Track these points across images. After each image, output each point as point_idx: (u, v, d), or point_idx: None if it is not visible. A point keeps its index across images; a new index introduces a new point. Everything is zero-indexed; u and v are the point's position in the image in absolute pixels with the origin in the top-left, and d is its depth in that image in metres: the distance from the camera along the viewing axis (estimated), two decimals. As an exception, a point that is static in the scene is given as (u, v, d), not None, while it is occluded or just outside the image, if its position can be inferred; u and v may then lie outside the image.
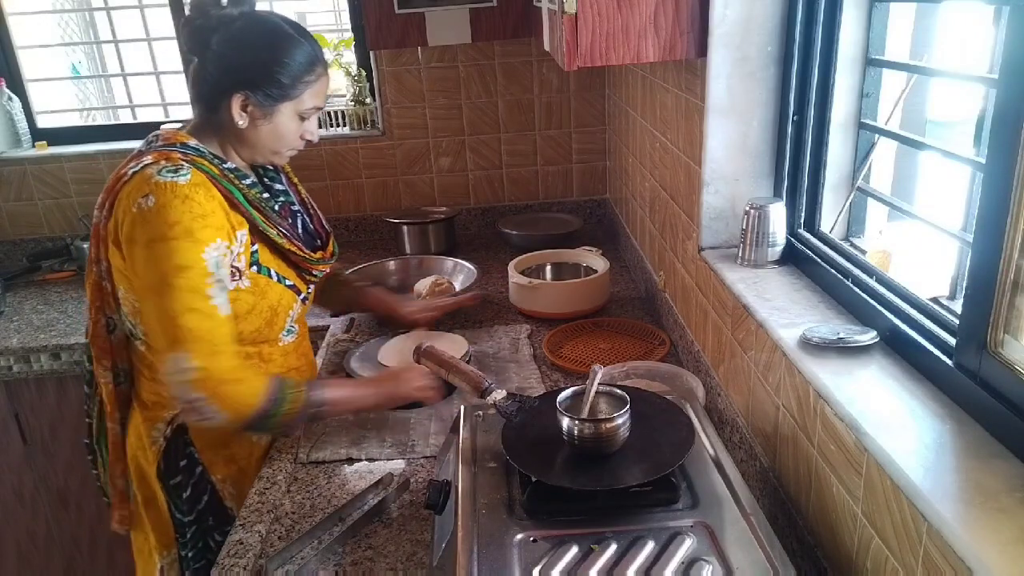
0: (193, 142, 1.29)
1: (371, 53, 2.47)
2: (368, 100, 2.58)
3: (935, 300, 1.00)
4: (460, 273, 2.10)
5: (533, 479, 0.95)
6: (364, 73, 2.56)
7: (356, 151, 2.59)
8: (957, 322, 0.88)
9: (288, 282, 1.39)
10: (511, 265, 1.97)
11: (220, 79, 1.27)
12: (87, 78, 3.23)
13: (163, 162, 1.22)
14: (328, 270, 1.50)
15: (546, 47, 1.56)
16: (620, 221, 2.42)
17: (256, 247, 1.32)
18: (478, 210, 2.67)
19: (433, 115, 2.55)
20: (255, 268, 1.32)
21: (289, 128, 1.32)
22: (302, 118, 1.33)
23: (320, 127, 2.59)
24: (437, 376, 1.35)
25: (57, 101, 2.84)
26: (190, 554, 1.41)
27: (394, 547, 1.14)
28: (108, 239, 1.26)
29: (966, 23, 1.17)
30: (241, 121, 1.28)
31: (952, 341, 0.89)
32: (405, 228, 2.43)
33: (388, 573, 1.10)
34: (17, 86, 2.64)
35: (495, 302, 2.05)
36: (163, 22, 2.57)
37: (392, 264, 2.20)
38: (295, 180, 1.53)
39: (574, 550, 0.87)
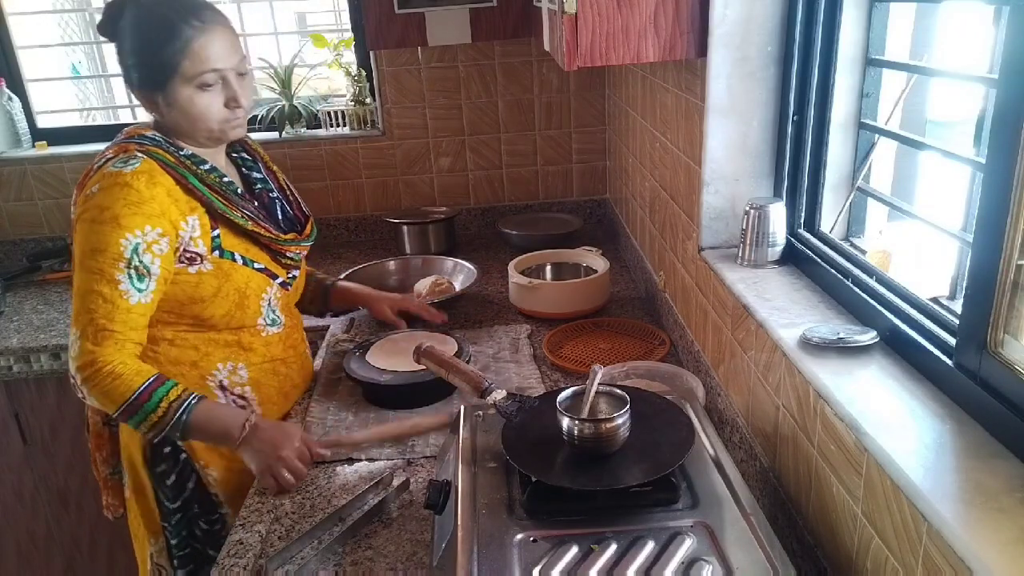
0: (151, 133, 1.33)
1: (371, 53, 2.47)
2: (368, 100, 2.58)
3: (935, 300, 1.00)
4: (460, 273, 2.10)
5: (533, 479, 0.95)
6: (364, 73, 2.56)
7: (356, 151, 2.59)
8: (957, 322, 0.88)
9: (258, 265, 1.40)
10: (511, 265, 1.97)
11: (125, 80, 1.33)
12: (87, 78, 3.22)
13: (121, 154, 1.28)
14: (304, 251, 1.52)
15: (546, 47, 1.56)
16: (620, 221, 2.42)
17: (218, 231, 1.34)
18: (478, 210, 2.67)
19: (433, 115, 2.55)
20: (217, 252, 1.34)
21: (199, 103, 1.29)
22: (203, 87, 1.28)
23: (320, 127, 2.61)
24: (304, 459, 1.31)
25: (57, 101, 2.83)
26: (174, 541, 1.44)
27: (394, 547, 1.14)
28: (74, 231, 1.30)
29: (966, 23, 1.17)
30: (154, 113, 1.33)
31: (952, 341, 0.89)
32: (405, 228, 2.43)
33: (388, 573, 1.10)
34: (17, 86, 2.64)
35: (495, 302, 2.05)
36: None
37: (392, 264, 2.20)
38: (273, 167, 1.56)
39: (574, 550, 0.87)
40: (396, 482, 1.26)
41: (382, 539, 1.16)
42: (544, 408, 1.11)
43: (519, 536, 0.90)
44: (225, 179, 1.37)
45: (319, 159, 2.58)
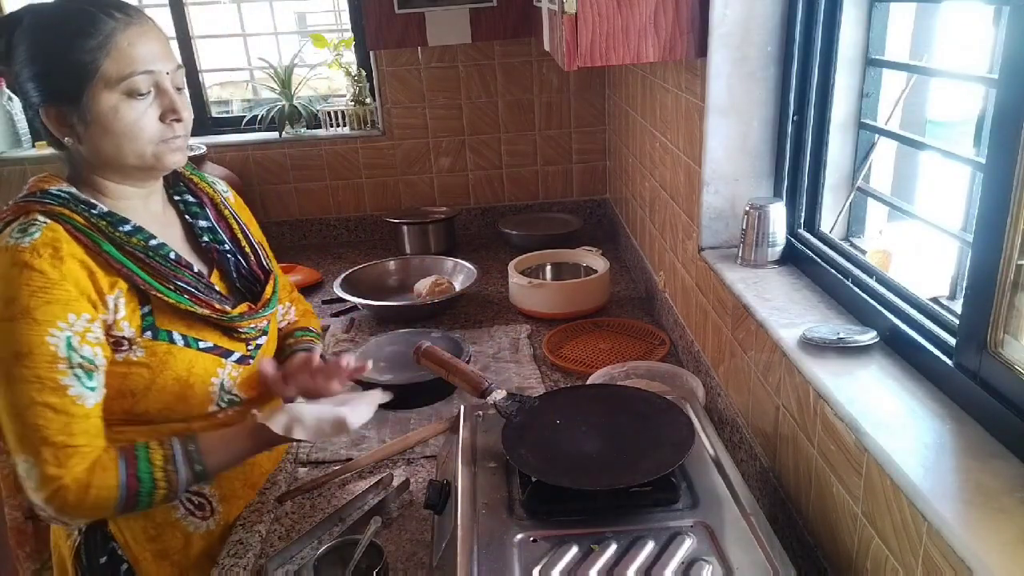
0: (61, 186, 1.05)
1: (371, 53, 2.47)
2: (368, 100, 2.58)
3: (935, 300, 1.00)
4: (460, 273, 2.10)
5: (533, 479, 0.95)
6: (364, 73, 2.56)
7: (356, 151, 2.59)
8: (957, 322, 0.88)
9: (203, 344, 1.12)
10: (511, 265, 1.97)
11: (29, 103, 1.04)
12: (87, 78, 3.23)
13: (21, 218, 1.01)
14: (265, 323, 1.21)
15: (546, 47, 1.56)
16: (620, 221, 2.42)
17: (148, 308, 1.06)
18: (478, 210, 2.67)
19: (433, 115, 2.55)
20: (149, 334, 1.06)
21: (127, 115, 1.02)
22: (132, 94, 1.01)
23: (320, 127, 2.61)
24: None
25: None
26: None
27: (394, 547, 1.14)
28: None
29: (966, 23, 1.17)
30: (69, 139, 1.04)
31: (952, 341, 0.89)
32: (405, 228, 2.43)
33: (388, 573, 1.10)
34: (17, 86, 2.64)
35: (495, 302, 2.05)
36: (163, 22, 2.57)
37: (392, 264, 2.20)
38: (225, 212, 1.24)
39: (574, 550, 0.87)
40: (396, 482, 1.26)
41: (382, 539, 1.16)
42: (544, 408, 1.11)
43: (519, 536, 0.90)
44: (152, 242, 1.08)
45: (319, 159, 2.58)
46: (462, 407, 1.20)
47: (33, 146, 2.64)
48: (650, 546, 0.87)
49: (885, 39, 1.21)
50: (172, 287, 1.07)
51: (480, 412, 1.18)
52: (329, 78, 2.75)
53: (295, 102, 2.58)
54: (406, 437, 1.40)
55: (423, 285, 2.00)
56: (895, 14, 1.20)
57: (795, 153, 1.31)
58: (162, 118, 1.04)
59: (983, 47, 0.90)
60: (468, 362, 1.55)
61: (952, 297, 1.02)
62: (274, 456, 1.36)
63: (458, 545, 0.89)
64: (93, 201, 1.06)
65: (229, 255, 1.22)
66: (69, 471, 0.98)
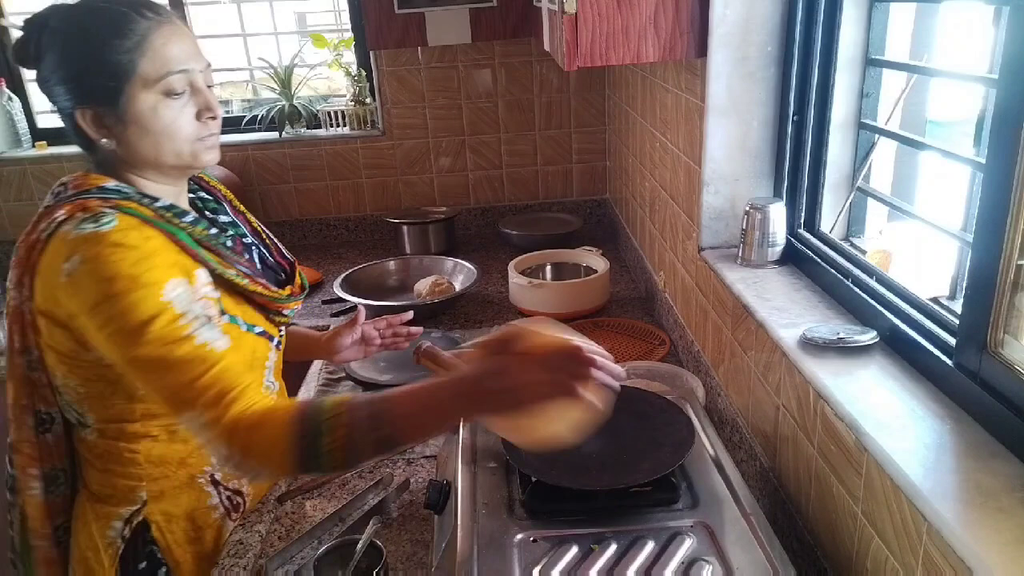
0: (111, 183, 1.05)
1: (371, 53, 2.47)
2: (368, 100, 2.58)
3: (935, 300, 1.00)
4: (460, 273, 2.10)
5: (533, 479, 0.95)
6: (364, 73, 2.56)
7: (356, 151, 2.59)
8: (957, 322, 0.88)
9: (258, 329, 1.15)
10: (511, 265, 1.97)
11: (61, 105, 1.04)
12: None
13: (79, 214, 0.99)
14: (299, 307, 1.25)
15: (546, 47, 1.56)
16: (620, 221, 2.42)
17: (218, 293, 1.07)
18: (478, 210, 2.67)
19: (433, 115, 2.55)
20: (227, 318, 1.08)
21: (166, 115, 1.02)
22: (169, 94, 1.02)
23: (320, 127, 2.61)
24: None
25: (57, 101, 2.83)
26: None
27: (394, 547, 1.14)
28: (37, 322, 1.04)
29: (966, 23, 1.17)
30: (106, 140, 1.03)
31: (952, 341, 0.89)
32: (405, 228, 2.43)
33: (388, 573, 1.10)
34: (17, 86, 2.64)
35: (495, 302, 2.05)
36: (163, 22, 2.56)
37: (392, 264, 2.20)
38: (241, 208, 1.28)
39: (574, 550, 0.87)
40: (396, 482, 1.26)
41: (382, 539, 1.16)
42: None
43: (519, 536, 0.90)
44: (212, 231, 1.10)
45: (319, 159, 2.58)
46: (462, 407, 1.20)
47: (33, 146, 2.64)
48: (650, 546, 0.87)
49: (885, 39, 1.21)
50: (235, 271, 1.09)
51: (480, 412, 1.18)
52: (329, 78, 2.75)
53: (295, 102, 2.58)
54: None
55: (423, 285, 2.00)
56: (895, 14, 1.20)
57: (795, 153, 1.31)
58: (198, 116, 1.05)
59: (983, 47, 0.90)
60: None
61: (952, 297, 1.02)
62: None
63: (458, 545, 0.89)
64: (155, 194, 1.06)
65: (253, 247, 1.23)
66: (228, 412, 0.94)
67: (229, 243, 1.13)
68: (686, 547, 0.87)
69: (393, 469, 1.34)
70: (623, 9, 1.25)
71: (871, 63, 1.21)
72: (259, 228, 1.28)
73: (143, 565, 1.14)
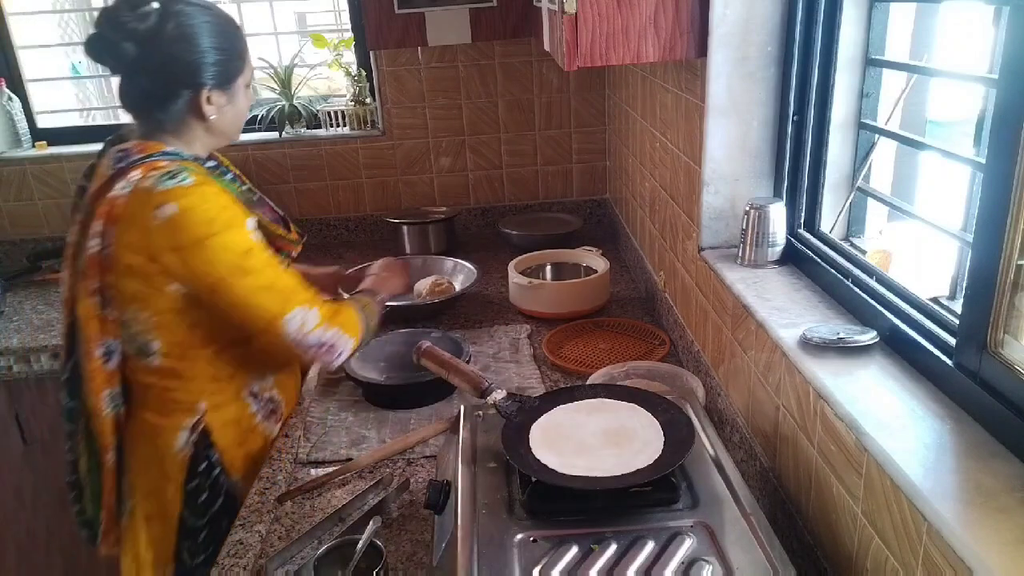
0: (170, 148, 1.28)
1: (371, 53, 2.47)
2: (368, 100, 2.58)
3: (935, 300, 1.00)
4: (460, 273, 2.10)
5: (533, 479, 0.95)
6: (364, 73, 2.55)
7: (356, 151, 2.59)
8: (957, 322, 0.88)
9: None
10: (511, 265, 1.97)
11: (174, 85, 1.26)
12: (87, 78, 3.22)
13: (153, 173, 1.21)
14: (299, 250, 1.53)
15: (546, 47, 1.56)
16: (620, 221, 2.42)
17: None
18: (478, 210, 2.67)
19: (433, 115, 2.55)
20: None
21: (247, 100, 1.38)
22: (248, 86, 1.37)
23: (320, 127, 2.62)
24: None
25: (57, 101, 2.83)
26: (201, 559, 1.37)
27: (394, 547, 1.14)
28: (119, 263, 1.24)
29: (966, 23, 1.17)
30: (214, 116, 1.30)
31: (952, 341, 0.89)
32: (405, 228, 2.42)
33: (388, 573, 1.10)
34: (17, 86, 2.64)
35: (495, 302, 2.05)
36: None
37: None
38: (238, 172, 1.50)
39: (574, 550, 0.87)
40: (396, 482, 1.26)
41: (382, 539, 1.16)
42: (544, 408, 1.11)
43: (519, 536, 0.90)
44: (243, 187, 1.42)
45: (319, 159, 2.58)
46: (462, 407, 1.20)
47: (33, 146, 2.64)
48: (650, 546, 0.87)
49: (885, 39, 1.21)
50: (261, 217, 1.38)
51: (480, 412, 1.18)
52: (329, 78, 2.75)
53: (295, 102, 2.58)
54: (406, 437, 1.40)
55: (423, 285, 2.00)
56: (895, 14, 1.20)
57: (795, 153, 1.31)
58: (250, 106, 1.40)
59: (983, 47, 0.90)
60: (468, 362, 1.55)
61: (952, 297, 1.02)
62: (303, 367, 1.68)
63: (458, 545, 0.89)
64: (203, 156, 1.35)
65: (263, 202, 1.49)
66: (322, 305, 1.32)
67: (255, 197, 1.43)
68: (686, 547, 0.87)
69: (393, 469, 1.34)
70: (623, 9, 1.25)
71: (871, 63, 1.21)
72: (253, 188, 1.53)
73: (203, 466, 1.37)
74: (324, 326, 1.30)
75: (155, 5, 1.23)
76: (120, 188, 1.22)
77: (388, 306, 1.94)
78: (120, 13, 1.21)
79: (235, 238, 1.24)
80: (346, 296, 1.57)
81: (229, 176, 1.39)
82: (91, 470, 1.40)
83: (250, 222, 1.27)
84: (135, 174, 1.22)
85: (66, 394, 1.37)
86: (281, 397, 1.52)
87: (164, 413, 1.37)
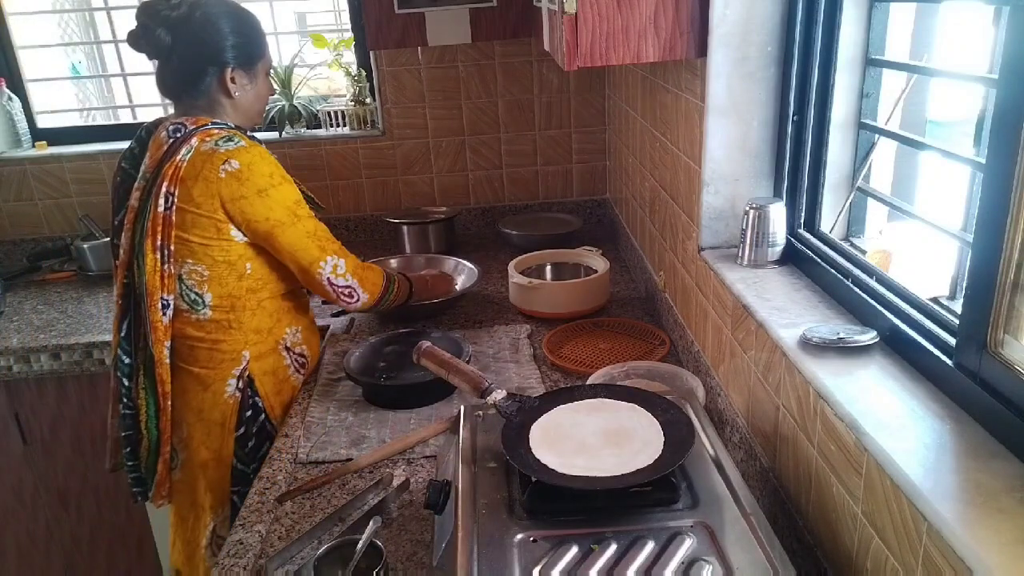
0: (216, 120, 1.50)
1: (371, 53, 2.47)
2: (368, 100, 2.58)
3: (935, 300, 1.00)
4: (460, 273, 2.10)
5: (533, 479, 0.95)
6: (364, 73, 2.56)
7: (356, 151, 2.59)
8: (957, 322, 0.88)
9: None
10: (511, 265, 1.97)
11: (202, 63, 1.48)
12: (87, 78, 3.22)
13: (209, 138, 1.44)
14: None
15: (546, 47, 1.56)
16: (620, 221, 2.42)
17: None
18: (478, 210, 2.67)
19: (433, 115, 2.55)
20: None
21: (266, 86, 1.59)
22: (268, 73, 1.59)
23: (320, 127, 2.62)
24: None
25: (57, 101, 2.83)
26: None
27: (394, 547, 1.14)
28: (184, 219, 1.44)
29: (966, 23, 1.17)
30: (238, 92, 1.52)
31: (952, 341, 0.89)
32: (405, 228, 2.42)
33: (388, 573, 1.10)
34: (17, 86, 2.64)
35: (495, 302, 2.05)
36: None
37: (392, 264, 2.20)
38: None
39: (574, 550, 0.87)
40: (396, 482, 1.26)
41: (382, 539, 1.16)
42: (544, 408, 1.11)
43: (519, 536, 0.90)
44: (273, 156, 1.55)
45: (319, 159, 2.58)
46: (462, 407, 1.20)
47: (33, 146, 2.64)
48: (650, 546, 0.87)
49: (885, 39, 1.21)
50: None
51: (480, 412, 1.18)
52: (329, 78, 2.75)
53: (295, 102, 2.58)
54: (406, 437, 1.40)
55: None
56: (895, 14, 1.20)
57: (795, 153, 1.30)
58: (271, 92, 1.62)
59: (983, 47, 0.90)
60: (468, 362, 1.55)
61: (952, 297, 1.02)
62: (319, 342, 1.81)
63: (458, 545, 0.89)
64: (244, 127, 1.55)
65: None
66: (351, 259, 1.60)
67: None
68: (686, 547, 0.87)
69: (393, 469, 1.34)
70: (623, 9, 1.25)
71: (871, 63, 1.21)
72: None
73: (249, 413, 1.57)
74: (351, 273, 1.58)
75: None
76: (184, 154, 1.43)
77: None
78: (157, 4, 1.44)
79: (289, 191, 1.49)
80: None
81: (264, 146, 1.53)
82: (150, 418, 1.55)
83: (294, 181, 1.52)
84: (194, 141, 1.44)
85: (122, 352, 1.54)
86: (308, 353, 1.69)
87: (212, 365, 1.54)
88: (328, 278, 1.55)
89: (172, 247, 1.45)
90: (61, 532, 2.31)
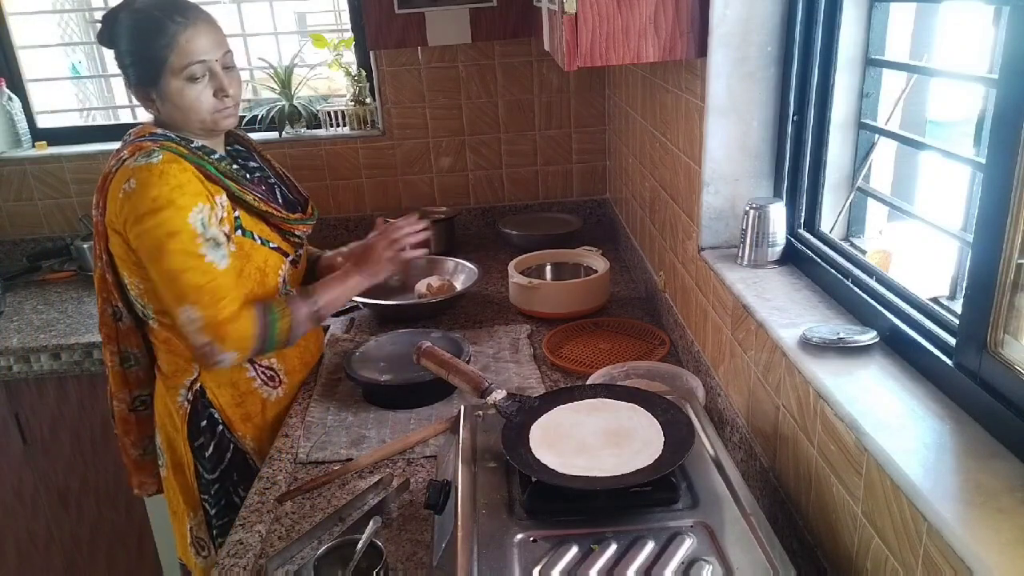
0: (160, 131, 1.41)
1: (371, 53, 2.47)
2: (368, 100, 2.58)
3: (935, 300, 1.00)
4: (460, 273, 2.10)
5: (533, 479, 0.95)
6: (364, 73, 2.55)
7: (356, 151, 2.59)
8: (957, 322, 0.88)
9: (272, 244, 1.50)
10: (511, 265, 1.97)
11: (125, 82, 1.42)
12: (87, 78, 3.22)
13: (137, 152, 1.35)
14: (309, 230, 1.59)
15: (546, 47, 1.56)
16: (620, 221, 2.42)
17: (238, 213, 1.43)
18: (478, 210, 2.67)
19: (433, 115, 2.55)
20: (239, 232, 1.43)
21: (188, 94, 1.37)
22: (191, 79, 1.36)
23: (320, 127, 2.61)
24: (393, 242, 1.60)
25: (57, 101, 2.83)
26: (213, 511, 1.53)
27: (394, 547, 1.14)
28: (106, 232, 1.40)
29: (966, 23, 1.17)
30: (151, 109, 1.42)
31: (952, 341, 0.89)
32: (405, 228, 2.42)
33: (388, 573, 1.10)
34: (17, 86, 2.64)
35: (495, 302, 2.05)
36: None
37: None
38: (267, 156, 1.64)
39: (574, 550, 0.87)
40: (396, 482, 1.26)
41: (382, 539, 1.16)
42: (544, 408, 1.11)
43: (519, 536, 0.90)
44: (234, 167, 1.47)
45: (319, 159, 2.58)
46: (462, 407, 1.20)
47: (33, 146, 2.64)
48: (650, 546, 0.87)
49: (885, 39, 1.21)
50: (252, 197, 1.44)
51: (480, 412, 1.18)
52: (329, 78, 2.75)
53: (295, 102, 2.58)
54: (406, 437, 1.40)
55: (423, 285, 2.00)
56: (895, 14, 1.20)
57: (795, 153, 1.30)
58: (215, 94, 1.39)
59: (983, 47, 0.90)
60: (468, 362, 1.55)
61: (952, 297, 1.02)
62: (319, 343, 1.76)
63: (458, 545, 0.89)
64: (191, 138, 1.41)
65: (275, 185, 1.58)
66: (219, 311, 1.34)
67: (248, 176, 1.50)
68: (686, 547, 0.87)
69: (393, 469, 1.34)
70: (623, 9, 1.25)
71: (871, 63, 1.21)
72: (282, 172, 1.64)
73: (204, 423, 1.51)
74: (205, 330, 1.34)
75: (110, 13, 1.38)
76: (112, 165, 1.39)
77: (388, 306, 1.94)
78: (102, 21, 1.40)
79: (168, 218, 1.30)
80: (294, 293, 1.54)
81: (216, 156, 1.41)
82: (110, 412, 1.60)
83: (196, 209, 1.32)
84: (125, 153, 1.37)
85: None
86: (281, 367, 1.61)
87: (170, 372, 1.51)
88: (186, 331, 1.35)
89: (107, 256, 1.43)
90: (61, 532, 2.31)
